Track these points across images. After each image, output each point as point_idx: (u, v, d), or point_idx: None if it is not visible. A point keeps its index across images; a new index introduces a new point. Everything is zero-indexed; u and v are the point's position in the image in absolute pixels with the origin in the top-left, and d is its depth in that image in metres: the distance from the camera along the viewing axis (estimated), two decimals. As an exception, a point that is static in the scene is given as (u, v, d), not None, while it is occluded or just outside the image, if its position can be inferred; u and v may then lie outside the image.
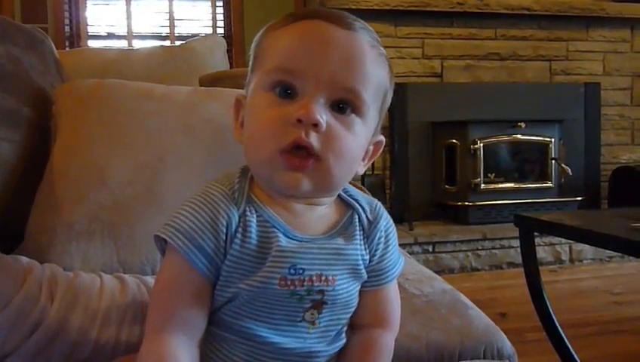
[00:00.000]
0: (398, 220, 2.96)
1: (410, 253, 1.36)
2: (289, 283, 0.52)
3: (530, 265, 1.52)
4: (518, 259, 2.72)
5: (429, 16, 3.10)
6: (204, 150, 0.98)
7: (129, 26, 3.45)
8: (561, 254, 2.89)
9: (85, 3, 3.38)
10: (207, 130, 1.00)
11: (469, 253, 2.79)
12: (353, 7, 2.94)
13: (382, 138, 0.60)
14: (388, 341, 0.60)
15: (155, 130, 0.99)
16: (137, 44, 3.44)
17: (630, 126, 3.45)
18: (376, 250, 0.59)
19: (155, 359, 0.50)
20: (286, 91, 0.52)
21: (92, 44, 3.41)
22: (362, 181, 2.94)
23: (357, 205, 0.59)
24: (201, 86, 1.40)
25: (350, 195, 0.60)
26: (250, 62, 0.58)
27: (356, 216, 0.59)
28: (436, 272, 1.07)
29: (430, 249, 2.75)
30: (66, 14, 3.26)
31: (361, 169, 0.59)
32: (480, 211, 2.92)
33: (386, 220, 0.61)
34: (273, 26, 0.56)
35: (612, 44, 3.38)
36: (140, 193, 0.92)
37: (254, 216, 0.53)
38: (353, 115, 0.53)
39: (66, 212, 0.88)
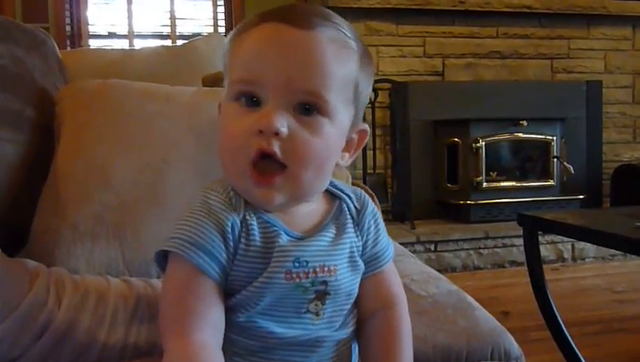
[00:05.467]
0: (399, 219, 2.96)
1: (412, 252, 1.35)
2: (294, 276, 0.53)
3: (534, 263, 1.52)
4: (521, 258, 2.72)
5: (431, 14, 3.09)
6: (208, 150, 0.97)
7: (130, 25, 3.44)
8: (564, 252, 2.89)
9: (86, 2, 3.37)
10: (211, 130, 1.00)
11: (471, 252, 2.79)
12: (355, 5, 2.94)
13: (365, 127, 0.60)
14: (403, 316, 0.61)
15: (159, 131, 0.99)
16: (138, 43, 3.44)
17: (632, 124, 3.45)
18: (368, 235, 0.60)
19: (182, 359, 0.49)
20: (252, 99, 0.52)
21: (93, 43, 3.40)
22: (364, 179, 2.94)
23: (343, 195, 0.61)
24: (204, 86, 1.40)
25: (335, 186, 0.61)
26: (223, 69, 0.59)
27: (344, 206, 0.60)
28: (438, 271, 1.08)
29: (432, 248, 2.75)
30: (67, 14, 3.26)
31: (346, 161, 0.59)
32: (482, 209, 2.91)
33: (372, 206, 0.62)
34: (238, 31, 0.56)
35: (613, 42, 3.37)
36: (144, 194, 0.92)
37: (254, 218, 0.54)
38: (319, 116, 0.52)
39: (71, 213, 0.88)
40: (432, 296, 0.87)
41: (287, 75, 0.51)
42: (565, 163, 3.00)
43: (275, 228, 0.54)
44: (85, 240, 0.86)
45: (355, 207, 0.61)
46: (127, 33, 3.45)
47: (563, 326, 1.48)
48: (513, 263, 2.81)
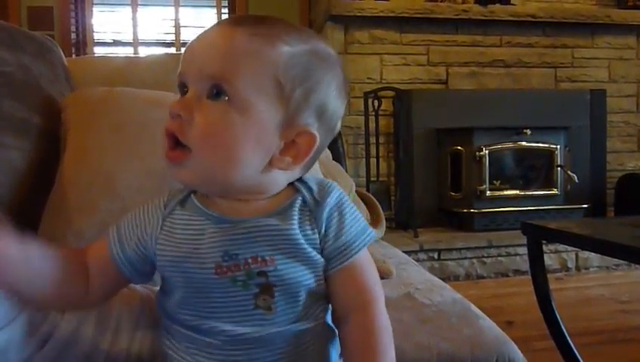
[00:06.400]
0: (402, 227, 2.96)
1: (415, 260, 1.35)
2: (225, 269, 0.53)
3: (538, 273, 1.51)
4: (524, 267, 2.72)
5: (434, 23, 3.10)
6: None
7: (135, 33, 3.46)
8: (567, 261, 2.88)
9: (91, 10, 3.40)
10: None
11: (475, 260, 2.78)
12: (358, 14, 2.95)
13: (307, 129, 0.56)
14: (380, 312, 0.58)
15: (163, 138, 0.99)
16: (143, 50, 3.46)
17: (636, 133, 3.45)
18: (327, 228, 0.57)
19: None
20: (183, 90, 0.56)
21: (98, 50, 3.42)
22: (367, 187, 2.94)
23: (302, 188, 0.59)
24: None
25: (300, 180, 0.60)
26: None
27: (299, 198, 0.58)
28: (441, 279, 1.07)
29: (435, 256, 2.74)
30: (73, 21, 3.28)
31: (287, 165, 0.56)
32: (485, 218, 2.91)
33: (336, 195, 0.59)
34: None
35: (617, 51, 3.37)
36: (149, 200, 0.92)
37: (183, 214, 0.57)
38: (226, 102, 0.53)
39: (76, 220, 0.89)
40: (436, 305, 0.87)
41: (199, 62, 0.54)
42: (569, 172, 2.99)
43: (206, 221, 0.55)
44: (90, 246, 0.87)
45: (315, 198, 0.58)
46: (131, 41, 3.47)
47: (567, 335, 1.47)
48: (517, 272, 2.80)
